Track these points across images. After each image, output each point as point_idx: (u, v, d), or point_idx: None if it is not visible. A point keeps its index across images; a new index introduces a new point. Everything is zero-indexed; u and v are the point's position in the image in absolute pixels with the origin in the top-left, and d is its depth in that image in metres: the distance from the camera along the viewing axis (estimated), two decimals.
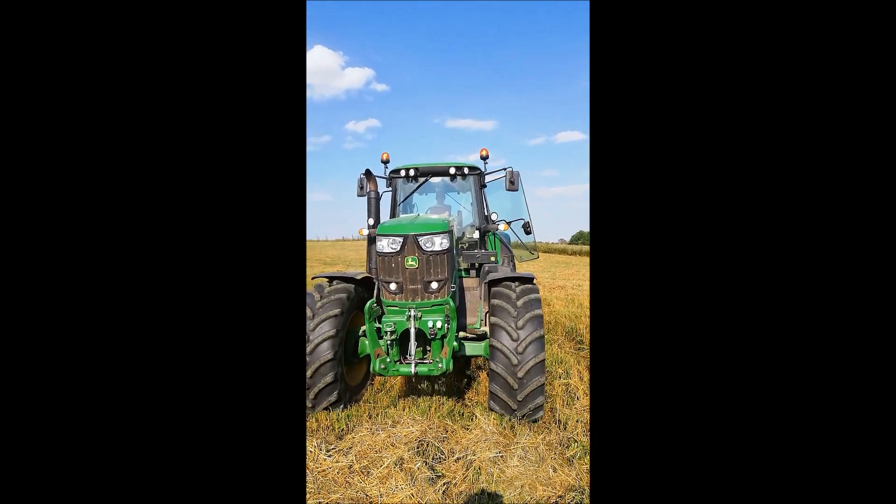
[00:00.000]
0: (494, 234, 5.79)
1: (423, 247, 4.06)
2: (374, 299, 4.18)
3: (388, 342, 4.07)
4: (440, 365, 3.97)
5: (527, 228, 5.77)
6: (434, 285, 4.14)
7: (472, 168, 5.66)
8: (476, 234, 5.76)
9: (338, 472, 3.14)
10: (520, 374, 3.84)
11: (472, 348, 4.62)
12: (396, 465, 3.22)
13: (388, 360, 4.06)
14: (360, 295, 4.69)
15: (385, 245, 4.11)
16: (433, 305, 4.16)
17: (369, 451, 3.42)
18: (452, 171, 5.56)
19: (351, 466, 3.22)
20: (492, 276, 4.48)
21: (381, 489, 2.95)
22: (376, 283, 4.32)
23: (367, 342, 4.13)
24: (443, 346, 4.12)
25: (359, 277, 4.70)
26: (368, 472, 3.14)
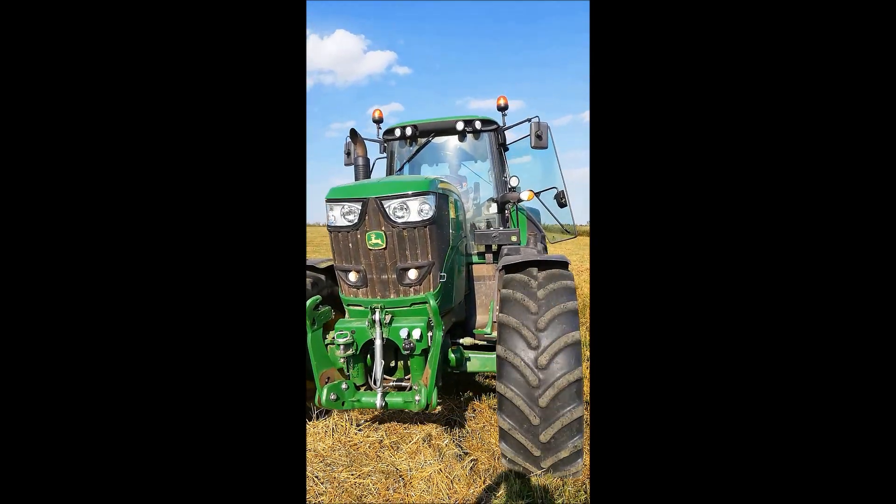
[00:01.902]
0: (518, 207, 4.41)
1: (393, 216, 2.70)
2: (317, 298, 2.88)
3: (344, 360, 2.81)
4: (418, 398, 2.65)
5: (560, 199, 4.35)
6: (412, 274, 2.79)
7: (486, 122, 4.33)
8: (494, 209, 4.40)
9: (369, 447, 3.20)
10: (542, 402, 2.46)
11: (479, 362, 3.27)
12: (425, 441, 3.21)
13: (345, 386, 2.79)
14: (329, 288, 3.48)
15: (337, 216, 2.77)
16: (411, 304, 2.82)
17: (399, 427, 3.53)
18: (461, 126, 4.25)
19: (381, 441, 3.27)
20: (507, 259, 3.14)
21: (411, 463, 2.95)
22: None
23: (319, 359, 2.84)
24: (424, 368, 2.78)
25: (322, 266, 3.49)
26: (398, 448, 3.18)
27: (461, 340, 3.52)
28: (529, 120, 4.13)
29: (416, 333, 2.69)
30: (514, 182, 3.99)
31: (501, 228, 4.14)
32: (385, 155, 4.66)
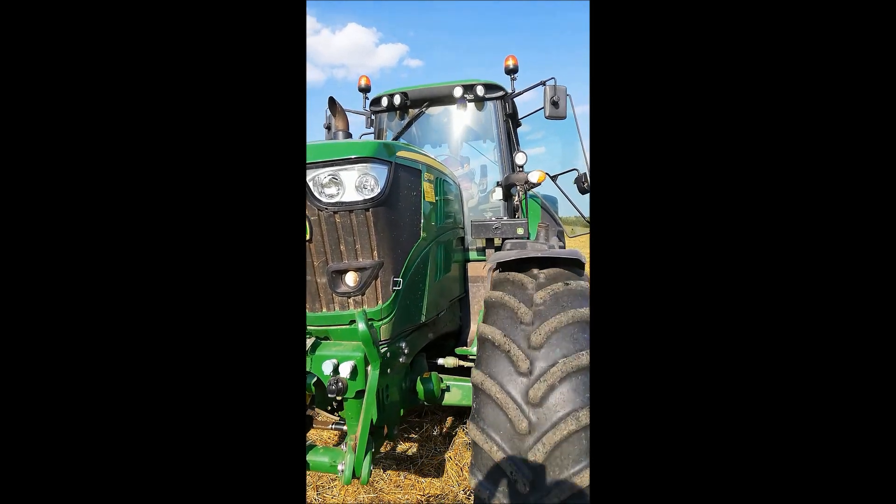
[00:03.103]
0: (528, 192, 3.57)
1: (319, 194, 1.85)
2: None
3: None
4: (342, 466, 1.77)
5: (582, 184, 3.49)
6: (349, 279, 1.93)
7: (490, 87, 3.53)
8: (498, 194, 3.58)
9: None
10: (532, 457, 1.62)
11: (460, 393, 2.46)
12: (436, 429, 3.31)
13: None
14: None
15: None
16: (350, 322, 1.92)
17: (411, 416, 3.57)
18: (459, 92, 3.47)
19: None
20: (500, 255, 2.34)
21: (422, 451, 3.00)
22: None
23: None
24: (359, 417, 1.83)
25: None
26: (409, 436, 3.21)
27: (442, 361, 2.71)
28: (543, 83, 3.30)
29: (345, 368, 1.76)
30: (520, 160, 3.16)
31: (505, 218, 3.31)
32: (372, 130, 3.93)
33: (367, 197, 1.85)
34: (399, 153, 2.08)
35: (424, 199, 2.34)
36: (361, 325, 1.71)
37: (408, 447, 3.11)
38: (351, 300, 1.93)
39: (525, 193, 3.69)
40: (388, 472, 2.76)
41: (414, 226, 2.22)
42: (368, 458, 1.73)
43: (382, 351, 1.90)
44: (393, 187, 1.96)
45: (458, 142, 4.00)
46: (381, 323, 1.93)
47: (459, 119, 3.76)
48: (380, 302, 1.93)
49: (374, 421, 1.83)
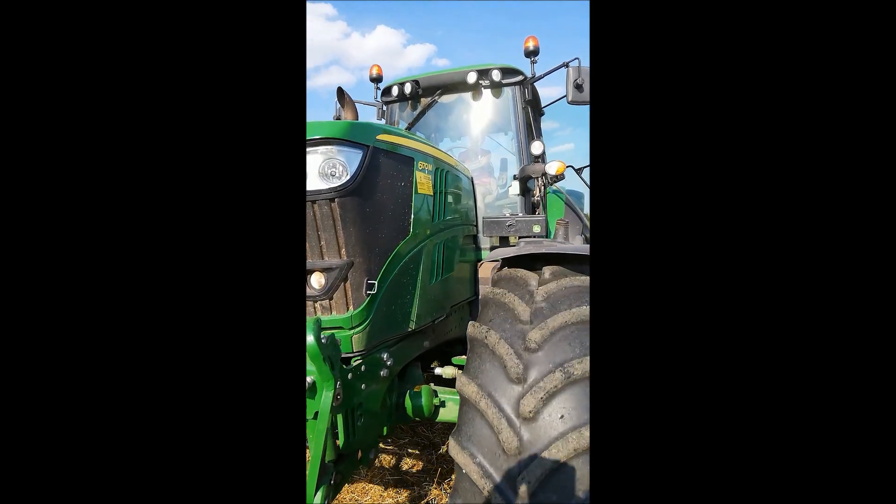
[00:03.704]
0: (548, 185, 3.26)
1: None
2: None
3: None
4: None
5: None
6: (313, 281, 1.66)
7: (507, 71, 3.27)
8: (516, 188, 3.28)
9: None
10: (523, 487, 1.32)
11: (457, 409, 2.18)
12: None
13: None
14: None
15: None
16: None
17: None
18: (473, 78, 3.22)
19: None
20: (500, 252, 2.07)
21: (443, 437, 3.13)
22: None
23: None
24: (323, 441, 1.44)
25: None
26: (432, 425, 3.33)
27: (440, 370, 2.43)
28: (566, 65, 3.00)
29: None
30: (536, 149, 2.86)
31: (521, 214, 3.01)
32: (384, 120, 3.73)
33: (332, 185, 1.58)
34: (380, 136, 1.80)
35: (417, 191, 2.07)
36: (310, 338, 1.39)
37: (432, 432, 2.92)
38: (317, 305, 1.66)
39: (545, 187, 3.40)
40: (412, 455, 2.64)
41: (400, 221, 1.94)
42: (322, 493, 1.42)
43: (355, 364, 1.63)
44: (368, 175, 1.69)
45: (479, 134, 3.74)
46: (352, 332, 1.65)
47: (477, 108, 3.50)
48: (350, 308, 1.65)
49: (341, 445, 1.56)
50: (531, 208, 3.22)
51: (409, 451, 3.20)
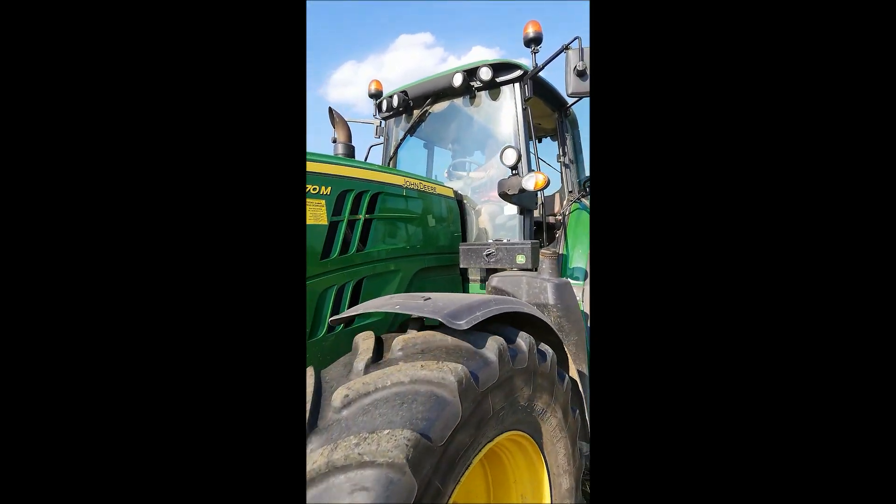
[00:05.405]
0: (577, 199, 2.56)
1: None
2: None
3: None
4: None
5: None
6: None
7: (501, 67, 2.68)
8: (512, 209, 2.66)
9: None
10: None
11: None
12: None
13: None
14: None
15: None
16: None
17: None
18: (458, 80, 2.69)
19: None
20: (356, 309, 1.57)
21: None
22: None
23: None
24: None
25: None
26: None
27: None
28: (566, 48, 2.34)
29: None
30: (510, 158, 2.24)
31: (507, 241, 2.39)
32: (381, 138, 3.36)
33: None
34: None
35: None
36: None
37: None
38: None
39: (570, 202, 2.72)
40: None
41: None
42: None
43: None
44: None
45: (493, 145, 3.18)
46: None
47: (475, 115, 2.96)
48: None
49: None
50: (530, 232, 2.57)
51: None
